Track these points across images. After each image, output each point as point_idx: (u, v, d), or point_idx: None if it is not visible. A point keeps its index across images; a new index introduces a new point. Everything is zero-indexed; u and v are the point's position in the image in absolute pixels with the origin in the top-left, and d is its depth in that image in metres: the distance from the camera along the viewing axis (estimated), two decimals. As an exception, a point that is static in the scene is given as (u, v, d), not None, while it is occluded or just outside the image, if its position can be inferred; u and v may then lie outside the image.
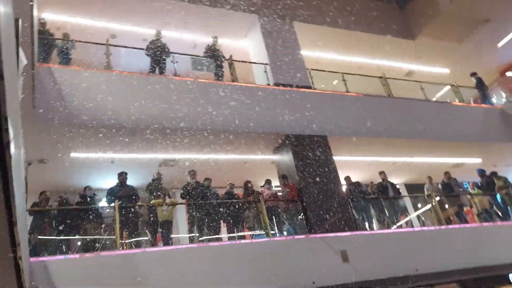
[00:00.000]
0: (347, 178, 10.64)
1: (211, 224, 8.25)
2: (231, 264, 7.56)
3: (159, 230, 8.13)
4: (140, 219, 8.18)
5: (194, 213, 8.31)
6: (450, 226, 10.54)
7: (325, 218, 9.08)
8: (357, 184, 10.56)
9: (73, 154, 8.97)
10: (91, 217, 7.62)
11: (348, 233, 9.04)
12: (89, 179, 9.53)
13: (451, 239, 9.74)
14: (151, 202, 8.36)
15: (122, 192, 8.13)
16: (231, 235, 8.51)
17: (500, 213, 11.65)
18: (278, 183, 10.43)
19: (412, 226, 11.31)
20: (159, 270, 6.83)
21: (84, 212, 7.64)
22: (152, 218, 8.14)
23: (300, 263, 7.90)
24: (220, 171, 10.07)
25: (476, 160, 13.43)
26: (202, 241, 8.06)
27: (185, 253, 7.36)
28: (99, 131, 8.32)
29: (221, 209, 8.57)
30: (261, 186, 10.09)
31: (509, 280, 10.33)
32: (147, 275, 6.76)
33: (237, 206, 8.94)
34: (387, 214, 10.56)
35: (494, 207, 11.81)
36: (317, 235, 8.69)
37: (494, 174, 12.26)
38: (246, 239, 8.64)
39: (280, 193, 9.93)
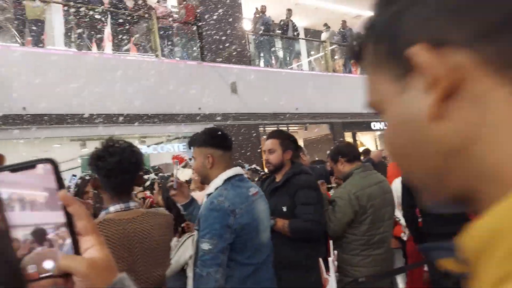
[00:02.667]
0: (262, 8, 10.13)
1: (93, 33, 7.28)
2: (113, 78, 7.02)
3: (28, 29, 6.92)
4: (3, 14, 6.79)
5: (72, 17, 7.15)
6: (335, 74, 11.16)
7: (221, 48, 8.70)
8: (264, 17, 10.14)
9: None
10: None
11: (241, 66, 8.94)
12: None
13: (332, 85, 10.37)
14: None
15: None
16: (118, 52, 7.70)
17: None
18: (174, 3, 9.42)
19: (302, 69, 11.70)
20: (24, 72, 6.04)
21: None
22: (18, 14, 6.81)
23: (188, 89, 7.71)
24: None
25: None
26: (81, 49, 7.17)
27: (58, 59, 6.52)
28: None
29: (105, 19, 7.51)
30: (156, 2, 8.99)
31: (371, 127, 11.87)
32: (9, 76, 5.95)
33: (125, 19, 7.95)
34: (282, 54, 10.62)
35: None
36: (210, 64, 8.42)
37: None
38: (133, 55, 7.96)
39: (176, 15, 9.04)
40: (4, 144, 6.30)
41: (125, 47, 7.84)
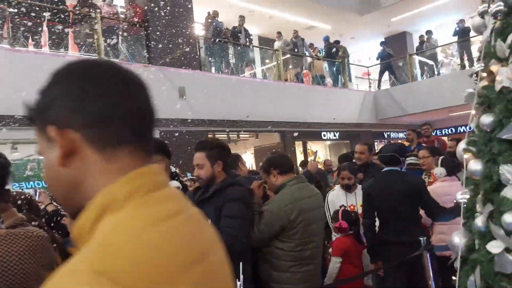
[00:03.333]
0: (214, 13, 9.96)
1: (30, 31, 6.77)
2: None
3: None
4: None
5: (7, 13, 6.61)
6: (287, 83, 11.18)
7: (169, 51, 8.42)
8: (216, 22, 9.97)
9: None
10: None
11: (190, 71, 8.70)
12: None
13: (284, 94, 10.36)
14: None
15: None
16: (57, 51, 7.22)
17: (331, 80, 12.81)
18: (122, 3, 9.05)
19: (254, 77, 11.62)
20: None
21: None
22: None
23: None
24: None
25: (327, 27, 13.97)
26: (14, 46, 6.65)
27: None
28: None
29: (43, 14, 7.03)
30: (102, 1, 8.57)
31: (321, 137, 11.98)
32: None
33: (65, 17, 7.49)
34: (234, 60, 10.48)
35: (328, 72, 12.88)
36: (157, 67, 8.11)
37: (337, 42, 13.06)
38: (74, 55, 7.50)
39: (122, 15, 8.67)
40: None
41: (64, 46, 7.37)
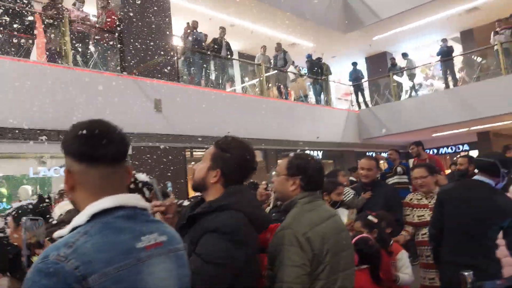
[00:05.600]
0: (193, 23, 9.43)
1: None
2: (23, 87, 5.81)
3: None
4: None
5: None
6: (271, 99, 10.67)
7: (144, 60, 7.75)
8: (196, 33, 9.42)
9: None
10: None
11: (167, 83, 8.05)
12: None
13: (266, 110, 9.83)
14: None
15: None
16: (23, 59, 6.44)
17: (314, 98, 12.44)
18: (94, 7, 8.39)
19: (235, 92, 11.07)
20: None
21: None
22: None
23: (106, 103, 6.60)
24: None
25: (309, 44, 13.68)
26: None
27: None
28: None
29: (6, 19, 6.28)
30: (72, 5, 7.89)
31: (304, 155, 11.45)
32: None
33: (32, 20, 6.75)
34: (215, 74, 9.92)
35: (311, 90, 12.51)
36: (131, 77, 7.42)
37: (319, 59, 12.75)
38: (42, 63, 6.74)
39: (95, 19, 8.00)
40: None
41: (27, 52, 6.60)
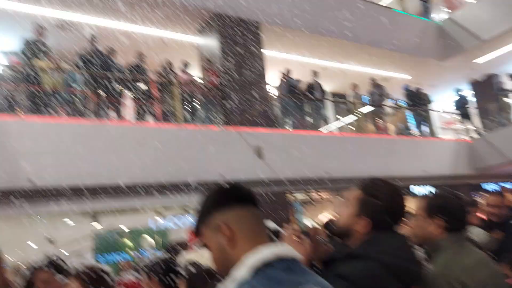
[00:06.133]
0: (286, 71, 9.94)
1: (112, 101, 7.05)
2: (133, 147, 6.63)
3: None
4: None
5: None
6: (369, 135, 10.47)
7: (244, 112, 8.28)
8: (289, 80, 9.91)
9: None
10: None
11: (266, 130, 8.44)
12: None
13: (366, 147, 9.63)
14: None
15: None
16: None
17: (416, 129, 11.87)
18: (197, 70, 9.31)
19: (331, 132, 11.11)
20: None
21: None
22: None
23: (210, 154, 7.17)
24: (131, 45, 8.52)
25: (405, 76, 13.27)
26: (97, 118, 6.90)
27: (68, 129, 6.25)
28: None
29: (127, 85, 7.33)
30: (182, 71, 8.86)
31: (411, 192, 10.82)
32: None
33: (147, 86, 7.77)
34: (310, 117, 10.13)
35: (411, 122, 11.99)
36: (233, 128, 7.96)
37: (417, 89, 12.28)
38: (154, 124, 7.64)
39: (200, 80, 8.86)
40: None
41: (148, 116, 7.55)
